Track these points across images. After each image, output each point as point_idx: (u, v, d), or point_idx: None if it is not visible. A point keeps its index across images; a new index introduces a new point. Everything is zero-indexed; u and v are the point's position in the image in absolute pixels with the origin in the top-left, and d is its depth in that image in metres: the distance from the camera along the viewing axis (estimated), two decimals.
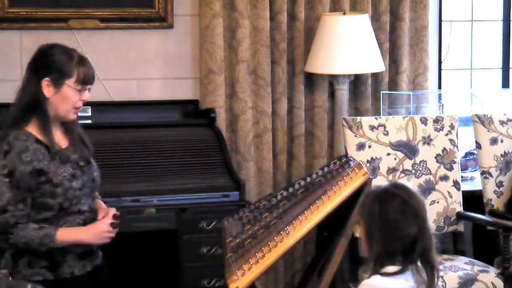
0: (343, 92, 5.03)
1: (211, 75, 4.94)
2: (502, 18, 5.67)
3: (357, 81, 5.17)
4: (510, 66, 5.69)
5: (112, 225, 3.33)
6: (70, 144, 3.36)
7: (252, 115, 5.03)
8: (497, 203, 4.70)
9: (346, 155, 3.52)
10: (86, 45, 4.86)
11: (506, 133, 4.76)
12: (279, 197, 3.37)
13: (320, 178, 3.32)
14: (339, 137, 4.97)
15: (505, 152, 4.74)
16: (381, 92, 5.19)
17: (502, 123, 4.77)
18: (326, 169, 3.37)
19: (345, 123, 4.58)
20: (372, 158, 4.56)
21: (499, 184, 4.72)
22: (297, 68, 5.10)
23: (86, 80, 3.29)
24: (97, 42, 4.88)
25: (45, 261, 3.28)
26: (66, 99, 3.27)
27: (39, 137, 3.26)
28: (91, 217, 3.36)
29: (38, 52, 3.33)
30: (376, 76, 5.22)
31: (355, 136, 4.56)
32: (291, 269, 5.17)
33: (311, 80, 5.14)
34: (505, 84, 5.70)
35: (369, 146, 4.57)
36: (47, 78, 3.25)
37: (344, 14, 4.96)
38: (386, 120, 4.67)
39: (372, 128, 4.59)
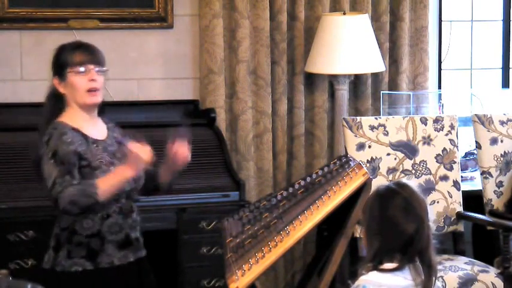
0: (343, 92, 5.03)
1: (211, 75, 4.94)
2: (502, 18, 5.67)
3: (357, 81, 5.18)
4: (510, 66, 5.69)
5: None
6: (108, 137, 3.47)
7: (252, 115, 5.03)
8: (497, 203, 4.70)
9: (346, 155, 3.52)
10: None
11: (506, 133, 4.76)
12: (279, 197, 3.37)
13: (320, 178, 3.31)
14: (339, 137, 4.97)
15: (505, 152, 4.74)
16: (381, 92, 5.19)
17: (502, 123, 4.77)
18: (326, 169, 3.37)
19: (345, 123, 4.58)
20: (372, 158, 4.56)
21: (499, 184, 4.72)
22: (297, 68, 5.10)
23: (83, 61, 3.37)
24: (97, 42, 4.83)
25: (83, 250, 3.34)
26: (74, 86, 3.37)
27: (75, 126, 3.37)
28: (129, 205, 3.43)
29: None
30: (376, 76, 5.22)
31: (355, 136, 4.56)
32: (291, 269, 5.17)
33: (311, 80, 5.15)
34: (505, 84, 5.71)
35: (369, 146, 4.57)
36: (55, 76, 3.39)
37: (344, 14, 4.96)
38: (386, 120, 4.67)
39: (372, 128, 4.59)
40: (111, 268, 3.37)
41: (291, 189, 3.37)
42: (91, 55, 3.40)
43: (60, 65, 3.38)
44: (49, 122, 3.38)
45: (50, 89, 3.44)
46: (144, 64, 4.97)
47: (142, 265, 3.49)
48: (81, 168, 3.31)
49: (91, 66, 3.37)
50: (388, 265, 2.76)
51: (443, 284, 4.17)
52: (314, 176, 3.36)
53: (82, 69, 3.36)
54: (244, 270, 2.99)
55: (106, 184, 3.26)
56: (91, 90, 3.37)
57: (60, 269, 3.35)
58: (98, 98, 3.41)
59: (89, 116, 3.42)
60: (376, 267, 2.77)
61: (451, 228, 4.65)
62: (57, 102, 3.41)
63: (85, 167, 3.31)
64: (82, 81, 3.36)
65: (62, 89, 3.38)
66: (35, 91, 4.85)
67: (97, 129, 3.45)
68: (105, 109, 3.54)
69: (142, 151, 3.27)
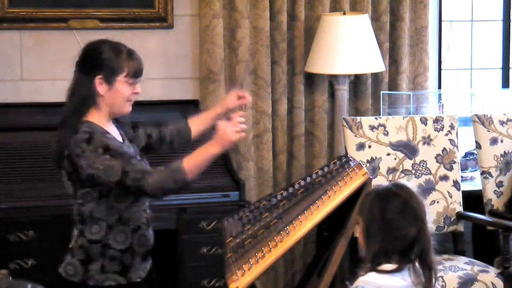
0: (343, 92, 5.03)
1: (211, 75, 4.94)
2: (502, 18, 5.67)
3: (357, 81, 5.18)
4: (510, 66, 5.69)
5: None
6: (122, 138, 3.41)
7: (252, 115, 5.03)
8: (497, 203, 4.70)
9: (346, 155, 3.52)
10: None
11: (506, 133, 4.76)
12: (279, 197, 3.37)
13: (320, 178, 3.32)
14: (339, 137, 4.97)
15: (505, 152, 4.75)
16: (381, 92, 5.19)
17: (502, 123, 4.77)
18: (326, 169, 3.37)
19: (345, 123, 4.58)
20: (372, 158, 4.56)
21: (499, 184, 4.72)
22: (297, 68, 5.10)
23: (137, 73, 3.32)
24: None
25: (116, 265, 3.29)
26: (120, 94, 3.28)
27: (105, 128, 3.29)
28: (150, 215, 3.39)
29: (85, 50, 3.36)
30: (376, 76, 5.22)
31: (355, 136, 4.56)
32: (291, 269, 5.17)
33: (311, 80, 5.14)
34: (505, 84, 5.71)
35: (369, 146, 4.57)
36: (99, 76, 3.25)
37: (344, 14, 4.96)
38: (386, 120, 4.67)
39: (372, 128, 4.59)
40: (141, 282, 3.35)
41: (291, 189, 3.37)
42: (142, 68, 3.34)
43: (112, 69, 3.25)
44: (78, 119, 3.24)
45: (85, 87, 3.27)
46: (144, 64, 4.95)
47: (153, 273, 3.50)
48: None
49: (140, 79, 3.34)
50: (386, 266, 2.75)
51: (443, 284, 4.16)
52: (314, 176, 3.36)
53: (134, 81, 3.31)
54: (244, 270, 2.99)
55: (192, 165, 3.18)
56: (130, 100, 3.33)
57: (93, 283, 3.28)
58: (131, 108, 3.37)
59: (111, 121, 3.38)
60: (374, 268, 2.76)
61: (451, 228, 4.65)
62: (88, 99, 3.27)
63: None
64: (128, 92, 3.30)
65: (102, 91, 3.25)
66: (35, 91, 4.85)
67: (115, 132, 3.39)
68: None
69: (230, 130, 3.21)
